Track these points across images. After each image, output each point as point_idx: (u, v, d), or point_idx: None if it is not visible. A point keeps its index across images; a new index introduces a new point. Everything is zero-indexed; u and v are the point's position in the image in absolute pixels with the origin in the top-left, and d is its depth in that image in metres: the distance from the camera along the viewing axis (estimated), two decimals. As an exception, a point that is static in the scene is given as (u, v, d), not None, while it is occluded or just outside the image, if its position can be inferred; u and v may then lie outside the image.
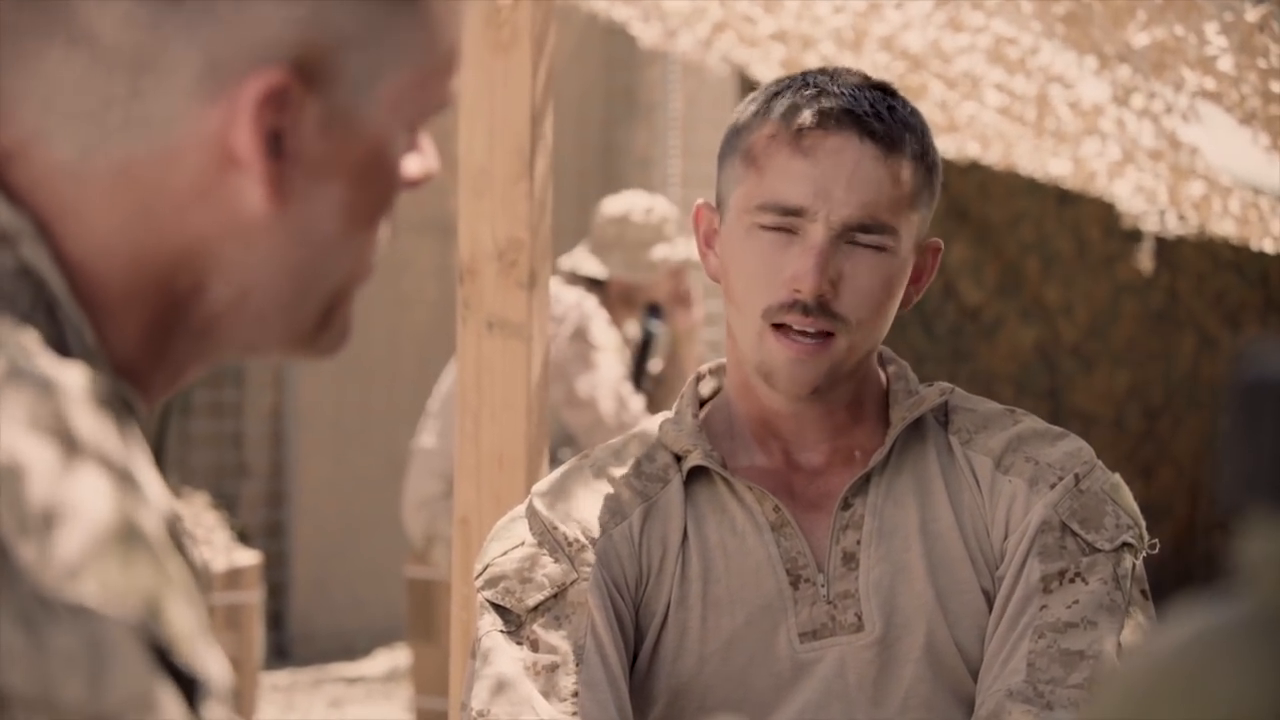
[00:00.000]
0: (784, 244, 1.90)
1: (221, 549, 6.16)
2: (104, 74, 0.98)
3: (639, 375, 5.41)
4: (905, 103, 1.96)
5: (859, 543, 1.94)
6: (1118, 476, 1.98)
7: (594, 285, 5.26)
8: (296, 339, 1.05)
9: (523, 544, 1.95)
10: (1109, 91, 4.38)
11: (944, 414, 2.00)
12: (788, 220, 1.90)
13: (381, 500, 7.77)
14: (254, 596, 6.15)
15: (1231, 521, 0.77)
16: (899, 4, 4.42)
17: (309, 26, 1.00)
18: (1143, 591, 1.94)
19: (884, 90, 1.95)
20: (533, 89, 2.68)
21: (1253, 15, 3.98)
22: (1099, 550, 1.92)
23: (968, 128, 4.67)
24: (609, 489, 1.97)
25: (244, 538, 7.15)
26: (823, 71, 1.96)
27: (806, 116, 1.91)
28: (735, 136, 1.96)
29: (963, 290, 6.67)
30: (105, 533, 0.90)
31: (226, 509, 7.12)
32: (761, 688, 1.93)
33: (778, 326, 1.90)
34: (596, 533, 1.94)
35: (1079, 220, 6.59)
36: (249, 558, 6.21)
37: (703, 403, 2.03)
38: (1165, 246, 5.91)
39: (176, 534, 0.94)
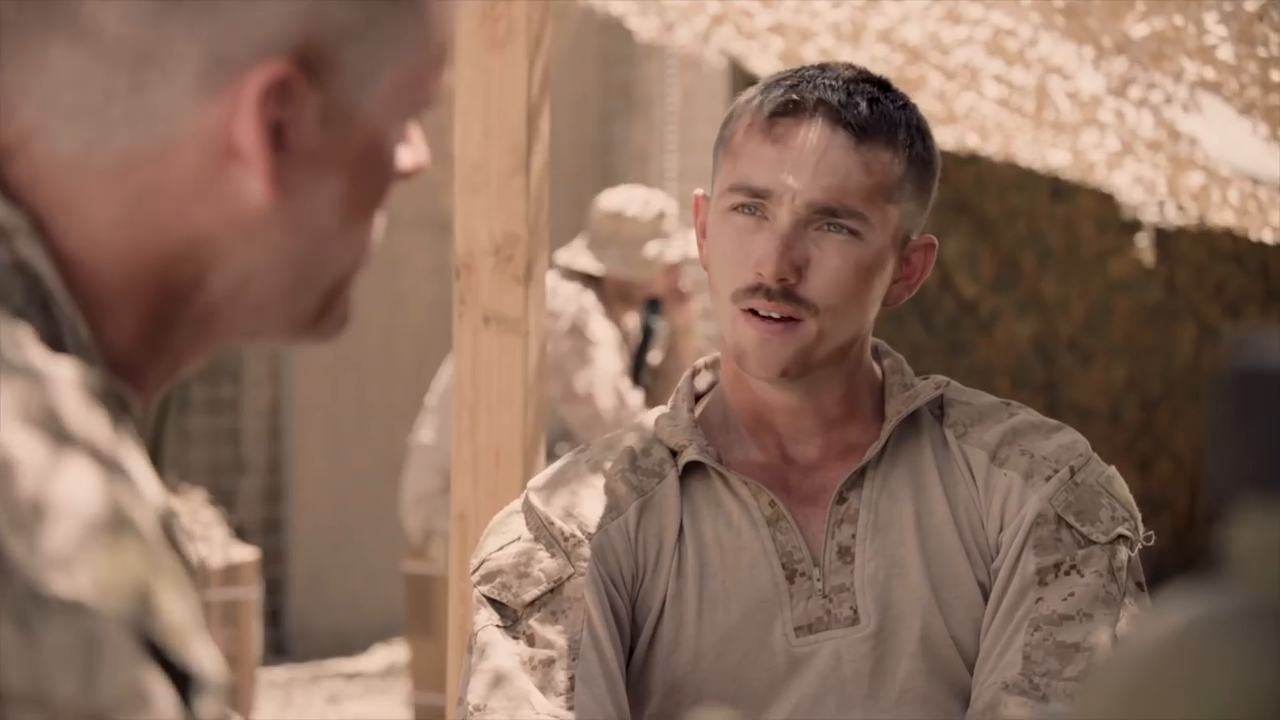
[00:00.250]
0: (753, 228, 1.91)
1: (219, 545, 6.16)
2: (106, 68, 0.98)
3: (638, 369, 5.41)
4: (897, 97, 1.96)
5: (854, 537, 1.94)
6: (1113, 469, 1.98)
7: (590, 280, 5.26)
8: (296, 327, 1.06)
9: (519, 539, 1.95)
10: (1107, 82, 4.38)
11: (939, 407, 2.00)
12: (756, 204, 1.91)
13: (379, 496, 7.77)
14: (252, 592, 6.15)
15: (1224, 511, 0.76)
16: (897, -4, 4.42)
17: (310, 19, 1.00)
18: (1139, 583, 1.94)
19: (875, 84, 1.95)
20: (528, 84, 2.67)
21: (1252, 4, 3.98)
22: (1094, 543, 1.92)
23: (966, 119, 4.67)
24: (605, 484, 1.97)
25: (241, 533, 7.16)
26: (819, 66, 1.97)
27: (780, 105, 1.92)
28: (723, 129, 1.98)
29: (960, 283, 6.67)
30: (98, 528, 0.89)
31: (224, 505, 7.12)
32: (757, 682, 1.93)
33: (748, 310, 1.91)
34: (593, 528, 1.94)
35: (1072, 216, 6.59)
36: (246, 553, 6.21)
37: (698, 397, 2.04)
38: (1163, 239, 5.91)
39: (170, 529, 0.94)
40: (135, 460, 0.94)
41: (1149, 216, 4.80)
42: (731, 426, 2.00)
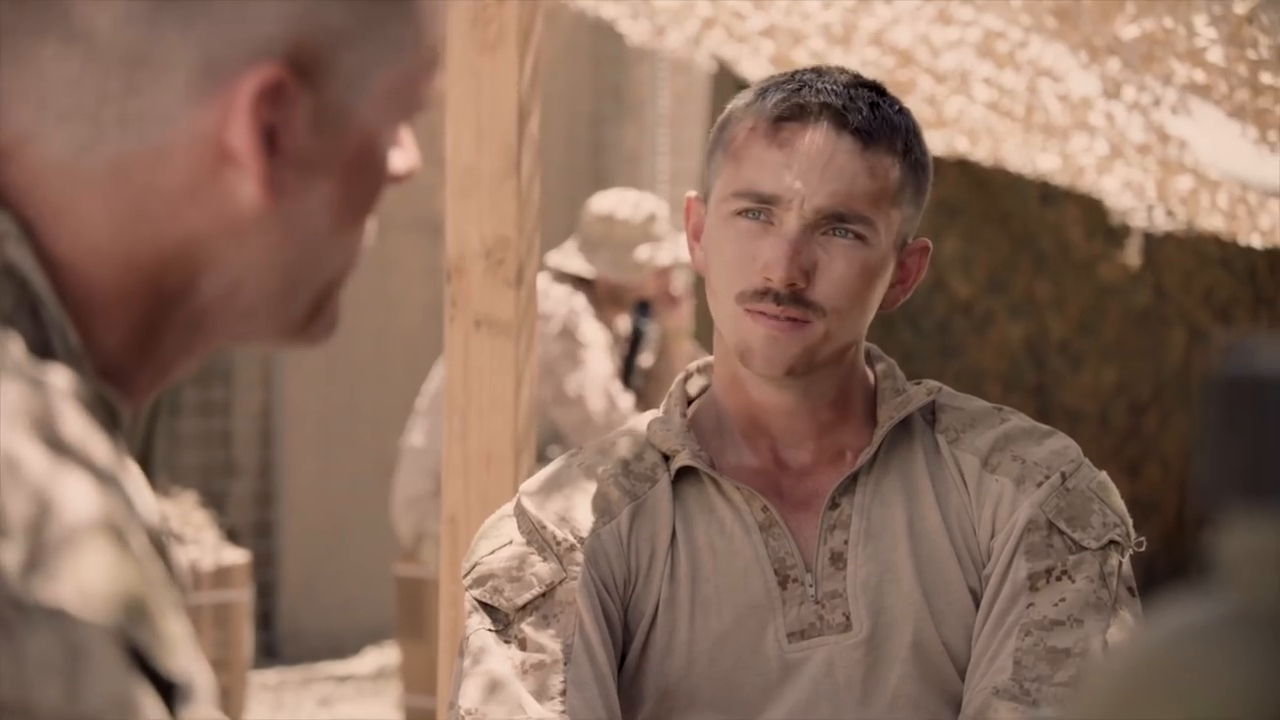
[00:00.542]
0: (759, 233, 1.91)
1: (210, 548, 6.16)
2: (99, 71, 0.98)
3: (629, 372, 5.41)
4: (894, 102, 1.97)
5: (846, 543, 1.94)
6: (1104, 474, 1.98)
7: (581, 283, 5.26)
8: (285, 331, 1.06)
9: (511, 543, 1.95)
10: (1098, 85, 4.38)
11: (931, 412, 2.00)
12: (762, 209, 1.91)
13: (370, 499, 7.77)
14: (243, 595, 6.14)
15: (1213, 515, 0.76)
16: (888, -1, 4.42)
17: (303, 23, 1.00)
18: (1130, 589, 1.94)
19: (871, 88, 1.96)
20: (519, 87, 2.67)
21: (1241, 7, 3.98)
22: (1085, 548, 1.92)
23: (956, 123, 4.67)
24: (597, 488, 1.97)
25: (233, 536, 7.15)
26: (814, 70, 1.97)
27: (785, 109, 1.92)
28: (721, 131, 1.98)
29: (953, 285, 6.67)
30: (84, 536, 0.89)
31: (215, 508, 7.11)
32: (750, 688, 1.93)
33: (752, 310, 1.91)
34: (585, 532, 1.94)
35: (1060, 221, 6.59)
36: (237, 556, 6.20)
37: (690, 401, 2.03)
38: (1150, 246, 5.91)
39: (158, 537, 0.94)
40: (123, 468, 0.93)
41: (1138, 221, 4.80)
42: (724, 430, 2.00)
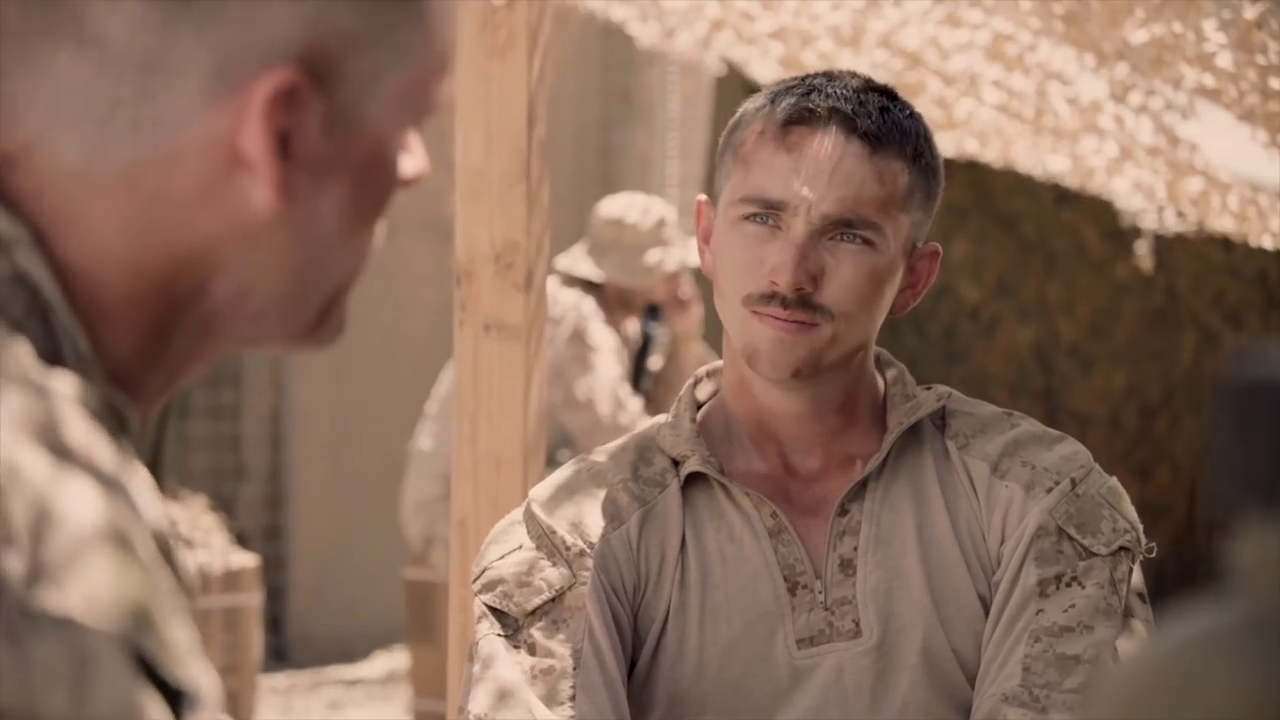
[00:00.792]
0: (766, 237, 1.91)
1: (220, 551, 6.16)
2: (112, 77, 0.98)
3: (638, 375, 5.41)
4: (904, 106, 1.96)
5: (856, 549, 1.94)
6: (1115, 480, 1.97)
7: (591, 286, 5.26)
8: (294, 335, 1.06)
9: (520, 548, 1.95)
10: (1107, 88, 4.38)
11: (941, 417, 2.00)
12: (770, 214, 1.91)
13: (380, 503, 7.77)
14: (252, 599, 6.15)
15: (1227, 522, 0.76)
16: (897, 1, 4.42)
17: (316, 27, 1.00)
18: (1140, 595, 1.93)
19: (882, 92, 1.95)
20: (529, 91, 2.67)
21: (1251, 12, 3.98)
22: (1095, 555, 1.91)
23: (965, 125, 4.66)
24: (607, 494, 1.96)
25: (242, 540, 7.15)
26: (825, 74, 1.97)
27: (794, 114, 1.92)
28: (730, 134, 1.97)
29: (962, 289, 6.66)
30: (90, 543, 0.89)
31: (225, 511, 7.12)
32: (759, 695, 1.92)
33: (759, 312, 1.91)
34: (595, 537, 1.94)
35: (1076, 221, 6.58)
36: (247, 560, 6.20)
37: (700, 406, 2.03)
38: (1161, 248, 5.90)
39: (165, 542, 0.94)
40: (131, 474, 0.93)
41: (1148, 223, 4.80)
42: (733, 435, 1.99)
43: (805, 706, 1.92)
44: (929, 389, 2.01)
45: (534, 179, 2.68)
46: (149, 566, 0.91)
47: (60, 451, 0.90)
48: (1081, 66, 4.39)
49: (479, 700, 1.89)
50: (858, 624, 1.93)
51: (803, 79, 1.97)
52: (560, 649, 1.90)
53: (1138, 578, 1.94)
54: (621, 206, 5.34)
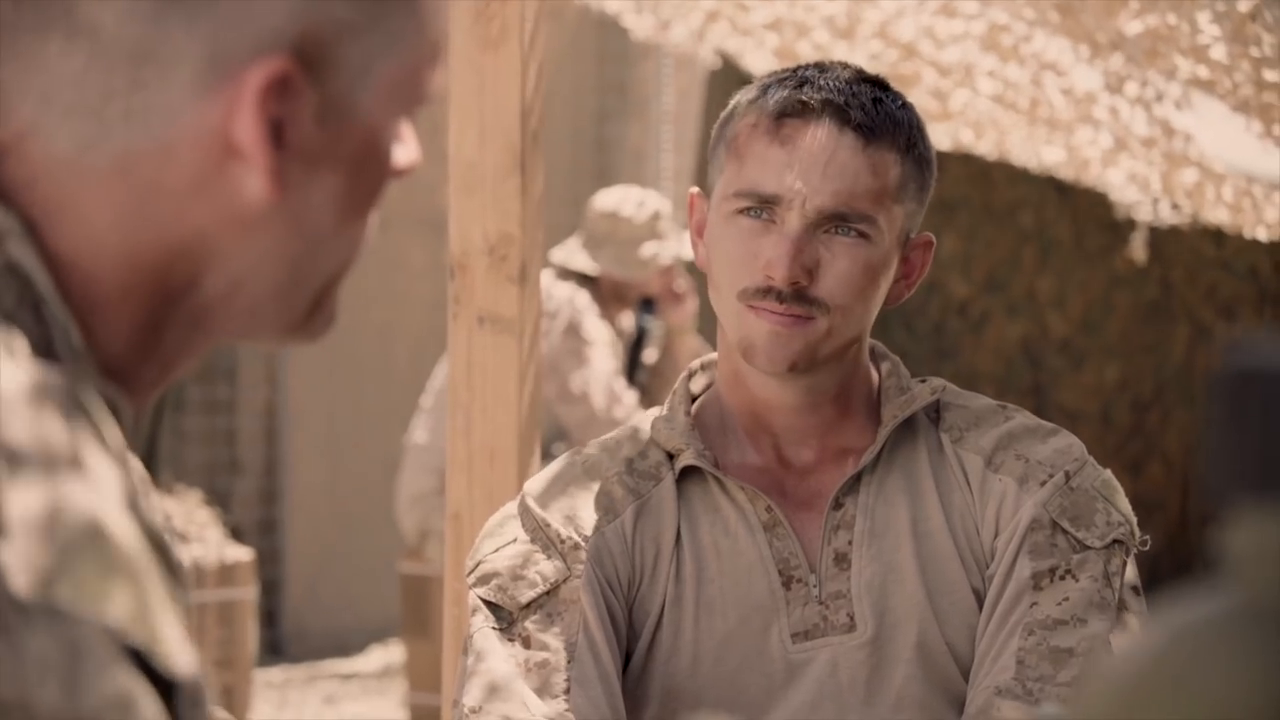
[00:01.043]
0: (760, 231, 1.91)
1: (215, 546, 6.16)
2: (105, 67, 0.98)
3: (633, 369, 5.41)
4: (897, 97, 1.96)
5: (850, 543, 1.94)
6: (1109, 473, 1.97)
7: (586, 279, 5.26)
8: (286, 326, 1.05)
9: (515, 541, 1.95)
10: (1102, 79, 4.38)
11: (935, 411, 1.99)
12: (764, 207, 1.90)
13: (375, 496, 7.77)
14: (248, 593, 6.14)
15: (1219, 514, 0.76)
16: (892, -10, 4.42)
17: (308, 15, 1.00)
18: (1134, 589, 1.93)
19: (874, 84, 1.95)
20: (523, 83, 2.67)
21: (1244, 4, 3.98)
22: (1089, 548, 1.91)
23: (961, 115, 4.66)
24: (601, 487, 1.96)
25: (237, 534, 7.15)
26: (816, 65, 1.96)
27: (787, 106, 1.91)
28: (723, 127, 1.97)
29: (950, 284, 6.65)
30: (82, 535, 0.89)
31: (220, 506, 7.11)
32: (754, 689, 1.92)
33: (755, 306, 1.91)
34: (589, 530, 1.94)
35: (1074, 211, 6.57)
36: (242, 554, 6.20)
37: (694, 398, 2.03)
38: (1154, 240, 5.90)
39: (159, 535, 0.93)
40: (108, 462, 0.93)
41: (1143, 215, 4.79)
42: (728, 428, 1.99)
43: (800, 700, 1.92)
44: (923, 381, 2.01)
45: (528, 172, 2.67)
46: (138, 556, 0.91)
47: (54, 444, 0.90)
48: (1076, 57, 4.39)
49: (472, 693, 1.89)
50: (852, 618, 1.92)
51: (794, 70, 1.96)
52: (555, 642, 1.90)
53: (1132, 571, 1.94)
54: (616, 200, 5.34)
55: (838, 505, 1.95)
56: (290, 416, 8.25)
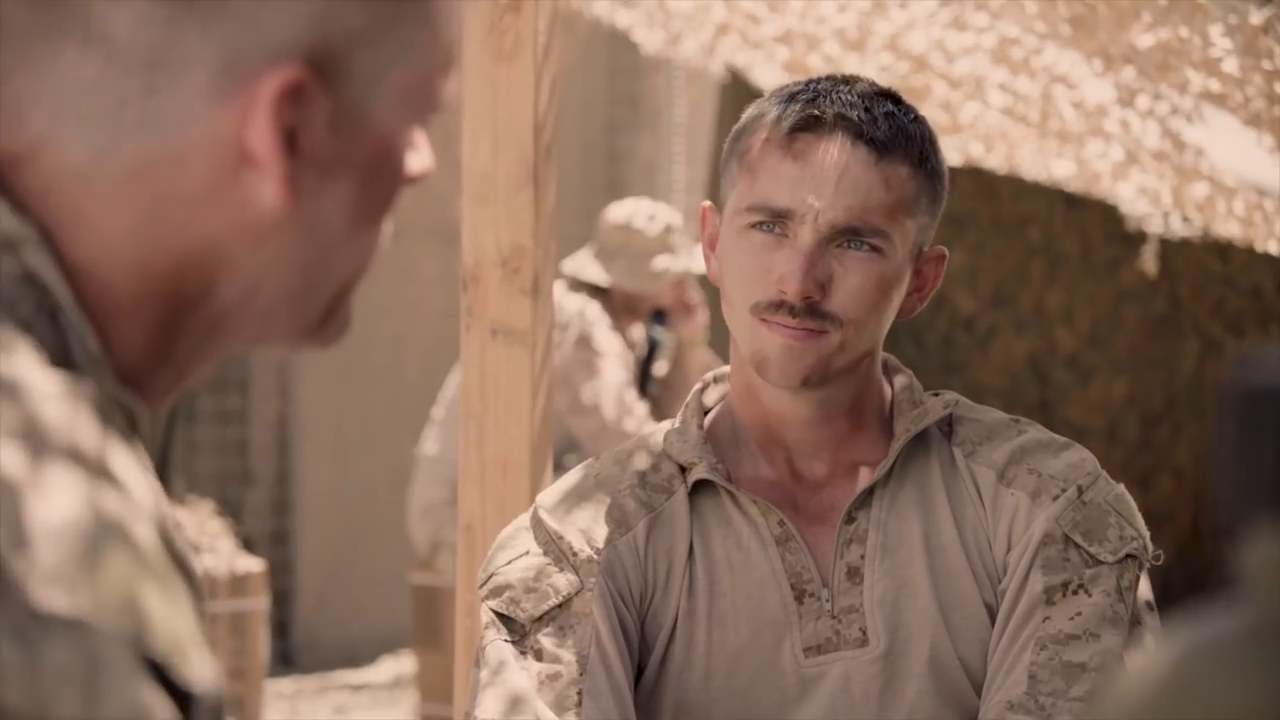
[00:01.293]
0: (773, 245, 1.91)
1: (226, 556, 6.16)
2: (119, 74, 0.98)
3: (644, 381, 5.41)
4: (909, 110, 1.96)
5: (863, 557, 1.94)
6: (1122, 487, 1.97)
7: (597, 291, 5.26)
8: (300, 333, 1.06)
9: (527, 553, 1.95)
10: (1113, 93, 4.38)
11: (948, 424, 1.99)
12: (777, 222, 1.91)
13: (386, 507, 7.77)
14: (259, 604, 6.15)
15: (1233, 529, 0.76)
16: (903, 3, 4.42)
17: (322, 23, 1.00)
18: (1148, 604, 1.93)
19: (887, 97, 1.95)
20: (536, 96, 2.67)
21: (1257, 18, 3.98)
22: (1102, 562, 1.91)
23: (971, 128, 4.66)
24: (613, 500, 1.96)
25: (249, 545, 7.15)
26: (829, 79, 1.96)
27: (799, 121, 1.91)
28: (736, 141, 1.97)
29: (957, 299, 6.65)
30: (100, 545, 0.89)
31: (231, 516, 7.12)
32: (767, 703, 1.92)
33: (768, 320, 1.91)
34: (601, 543, 1.94)
35: (1083, 224, 6.57)
36: (254, 565, 6.21)
37: (707, 411, 2.03)
38: (1164, 254, 5.90)
39: (173, 543, 0.94)
40: (132, 470, 0.93)
41: (1154, 228, 4.79)
42: (740, 441, 1.99)
43: (812, 715, 1.91)
44: (936, 395, 2.01)
45: (541, 184, 2.68)
46: (156, 566, 0.91)
47: (73, 454, 0.91)
48: (1088, 70, 4.39)
49: (487, 706, 1.89)
50: (865, 632, 1.92)
51: (807, 84, 1.96)
52: (567, 655, 1.90)
53: (1145, 586, 1.94)
54: (629, 212, 5.35)
55: (850, 519, 1.95)
56: (302, 427, 8.25)
